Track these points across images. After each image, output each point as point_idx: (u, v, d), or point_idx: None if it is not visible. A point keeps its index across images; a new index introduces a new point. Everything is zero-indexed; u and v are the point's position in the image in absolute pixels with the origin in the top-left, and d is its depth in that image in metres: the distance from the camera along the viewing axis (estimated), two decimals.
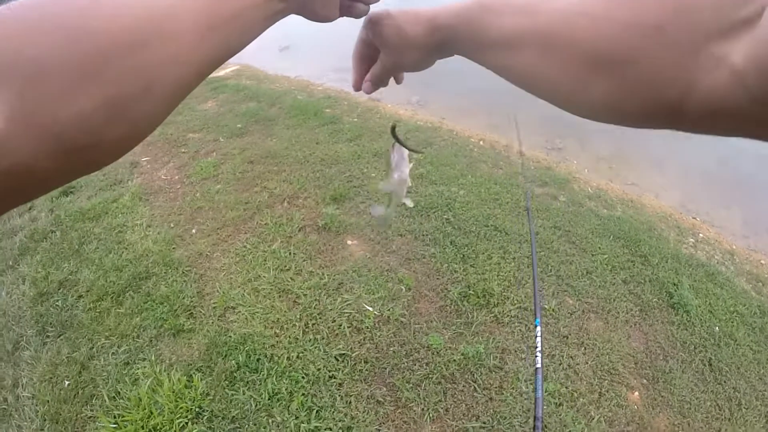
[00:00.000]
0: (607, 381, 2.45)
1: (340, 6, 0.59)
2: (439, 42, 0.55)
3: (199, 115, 5.69)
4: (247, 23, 0.46)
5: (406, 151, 0.81)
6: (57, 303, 2.94)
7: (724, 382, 2.57)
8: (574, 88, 0.41)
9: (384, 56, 0.62)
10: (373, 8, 0.61)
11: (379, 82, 0.67)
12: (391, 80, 0.69)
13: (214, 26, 0.41)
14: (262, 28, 0.49)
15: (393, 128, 0.75)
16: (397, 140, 0.78)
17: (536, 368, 1.34)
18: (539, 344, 1.40)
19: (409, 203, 0.92)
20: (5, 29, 0.30)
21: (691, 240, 3.74)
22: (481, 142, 4.90)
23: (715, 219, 4.34)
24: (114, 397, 2.34)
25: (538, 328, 1.46)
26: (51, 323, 2.81)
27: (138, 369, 2.46)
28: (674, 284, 3.09)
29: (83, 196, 4.10)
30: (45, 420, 2.30)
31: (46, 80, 0.30)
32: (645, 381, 2.51)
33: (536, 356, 1.37)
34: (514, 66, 0.47)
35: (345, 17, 0.62)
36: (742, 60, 0.29)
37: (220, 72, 7.83)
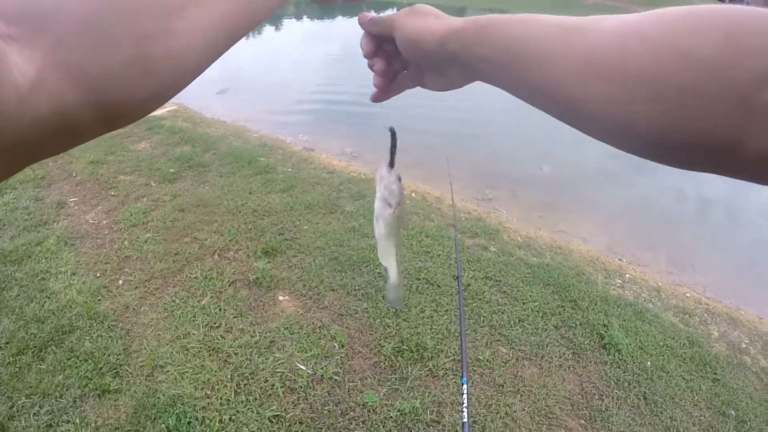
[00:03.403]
0: (545, 426, 2.46)
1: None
2: (456, 60, 0.50)
3: (132, 156, 5.46)
4: None
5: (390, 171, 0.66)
6: None
7: (660, 413, 2.63)
8: (617, 112, 0.37)
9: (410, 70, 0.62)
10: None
11: (394, 93, 0.66)
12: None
13: None
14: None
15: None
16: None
17: (463, 422, 1.40)
18: (465, 401, 1.45)
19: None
20: None
21: (618, 281, 3.88)
22: (413, 194, 4.96)
23: (641, 258, 4.55)
24: None
25: (465, 386, 1.51)
26: None
27: None
28: (604, 326, 3.17)
29: (6, 236, 3.81)
30: None
31: (79, 34, 0.31)
32: (583, 421, 2.53)
33: (463, 411, 1.43)
34: (549, 86, 0.41)
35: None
36: None
37: (156, 112, 7.62)
